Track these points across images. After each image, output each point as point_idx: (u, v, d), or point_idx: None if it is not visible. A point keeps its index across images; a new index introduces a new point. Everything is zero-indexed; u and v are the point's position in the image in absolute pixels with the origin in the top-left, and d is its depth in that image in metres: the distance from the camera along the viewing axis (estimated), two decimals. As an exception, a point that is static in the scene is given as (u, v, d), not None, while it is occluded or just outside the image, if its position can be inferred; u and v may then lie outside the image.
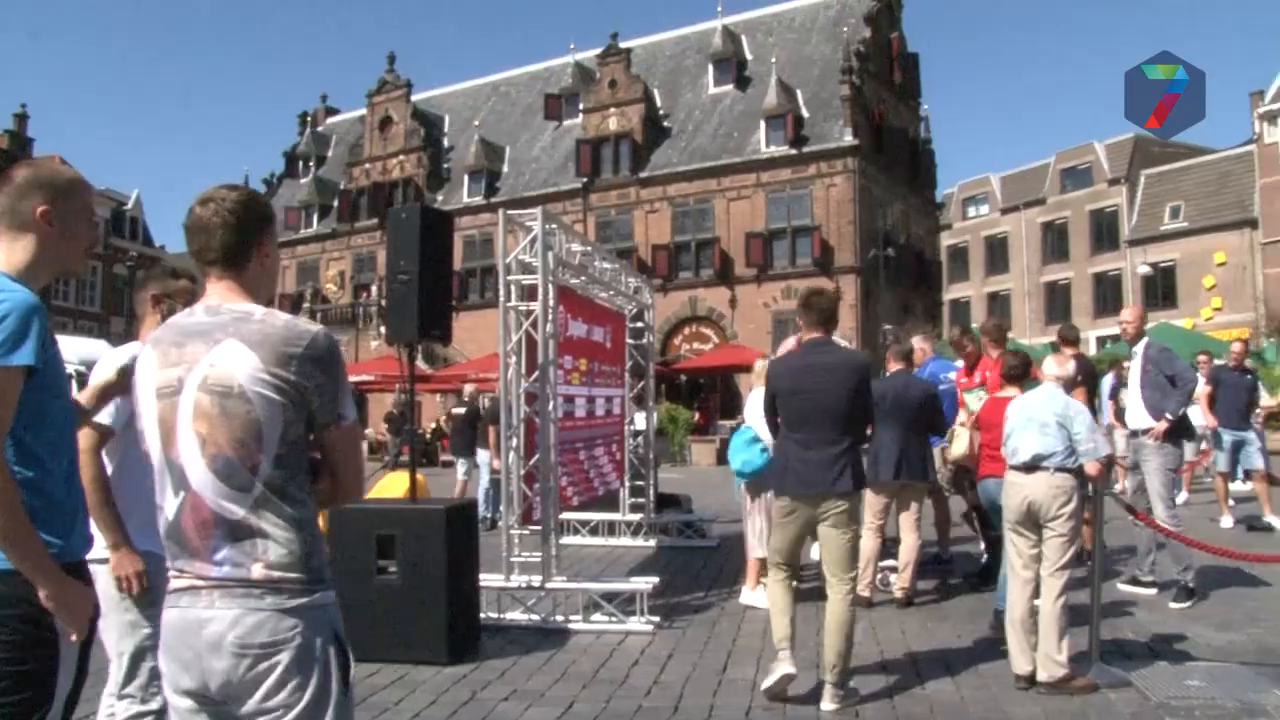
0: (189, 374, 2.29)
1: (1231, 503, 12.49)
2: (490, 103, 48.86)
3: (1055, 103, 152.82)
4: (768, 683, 5.50)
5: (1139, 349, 8.20)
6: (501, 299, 7.72)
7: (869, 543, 7.85)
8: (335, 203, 48.82)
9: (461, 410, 15.74)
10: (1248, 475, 13.05)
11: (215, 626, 2.22)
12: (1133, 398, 8.24)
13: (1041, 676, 5.48)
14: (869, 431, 5.97)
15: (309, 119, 54.93)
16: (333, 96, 66.34)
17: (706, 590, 8.71)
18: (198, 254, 2.43)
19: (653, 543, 11.36)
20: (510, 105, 48.07)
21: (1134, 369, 8.28)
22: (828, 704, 5.31)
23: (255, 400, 2.26)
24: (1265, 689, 5.46)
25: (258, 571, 2.24)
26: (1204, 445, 14.61)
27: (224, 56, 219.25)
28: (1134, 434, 8.19)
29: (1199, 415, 13.17)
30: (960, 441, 8.01)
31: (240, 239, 2.42)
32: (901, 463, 7.85)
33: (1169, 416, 7.78)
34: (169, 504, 2.31)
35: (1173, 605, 7.54)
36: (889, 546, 8.43)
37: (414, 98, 47.63)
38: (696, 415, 33.73)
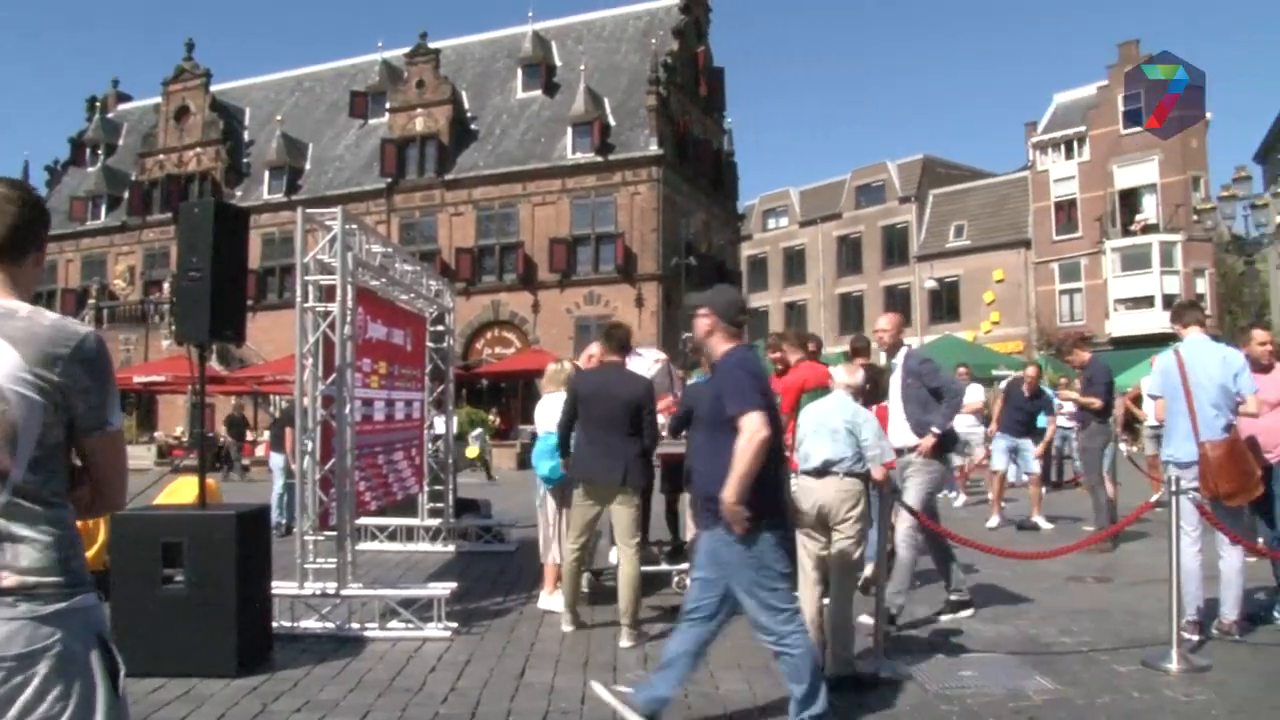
0: None
1: (1003, 504, 13.30)
2: (294, 98, 47.51)
3: (851, 123, 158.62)
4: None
5: (897, 360, 7.57)
6: (299, 299, 7.52)
7: None
8: (126, 194, 46.37)
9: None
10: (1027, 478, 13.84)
11: None
12: (893, 413, 7.57)
13: (830, 673, 5.69)
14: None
15: (99, 104, 52.04)
16: (125, 82, 63.25)
17: (505, 595, 8.70)
18: None
19: (451, 548, 11.28)
20: (314, 101, 46.85)
21: (892, 382, 7.63)
22: (625, 641, 6.75)
23: (13, 400, 2.13)
24: (1028, 676, 5.91)
25: (8, 579, 2.11)
26: (980, 449, 15.49)
27: (2, 31, 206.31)
28: (898, 452, 7.19)
29: (967, 423, 14.14)
30: None
31: (27, 234, 2.31)
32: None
33: (936, 431, 7.17)
34: None
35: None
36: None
37: (213, 88, 45.71)
38: (497, 419, 33.59)
